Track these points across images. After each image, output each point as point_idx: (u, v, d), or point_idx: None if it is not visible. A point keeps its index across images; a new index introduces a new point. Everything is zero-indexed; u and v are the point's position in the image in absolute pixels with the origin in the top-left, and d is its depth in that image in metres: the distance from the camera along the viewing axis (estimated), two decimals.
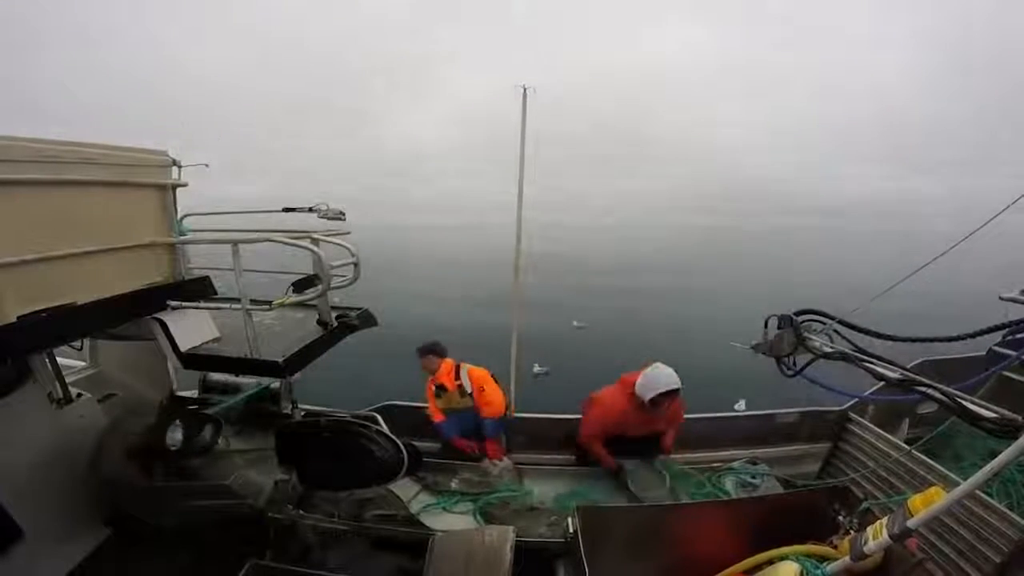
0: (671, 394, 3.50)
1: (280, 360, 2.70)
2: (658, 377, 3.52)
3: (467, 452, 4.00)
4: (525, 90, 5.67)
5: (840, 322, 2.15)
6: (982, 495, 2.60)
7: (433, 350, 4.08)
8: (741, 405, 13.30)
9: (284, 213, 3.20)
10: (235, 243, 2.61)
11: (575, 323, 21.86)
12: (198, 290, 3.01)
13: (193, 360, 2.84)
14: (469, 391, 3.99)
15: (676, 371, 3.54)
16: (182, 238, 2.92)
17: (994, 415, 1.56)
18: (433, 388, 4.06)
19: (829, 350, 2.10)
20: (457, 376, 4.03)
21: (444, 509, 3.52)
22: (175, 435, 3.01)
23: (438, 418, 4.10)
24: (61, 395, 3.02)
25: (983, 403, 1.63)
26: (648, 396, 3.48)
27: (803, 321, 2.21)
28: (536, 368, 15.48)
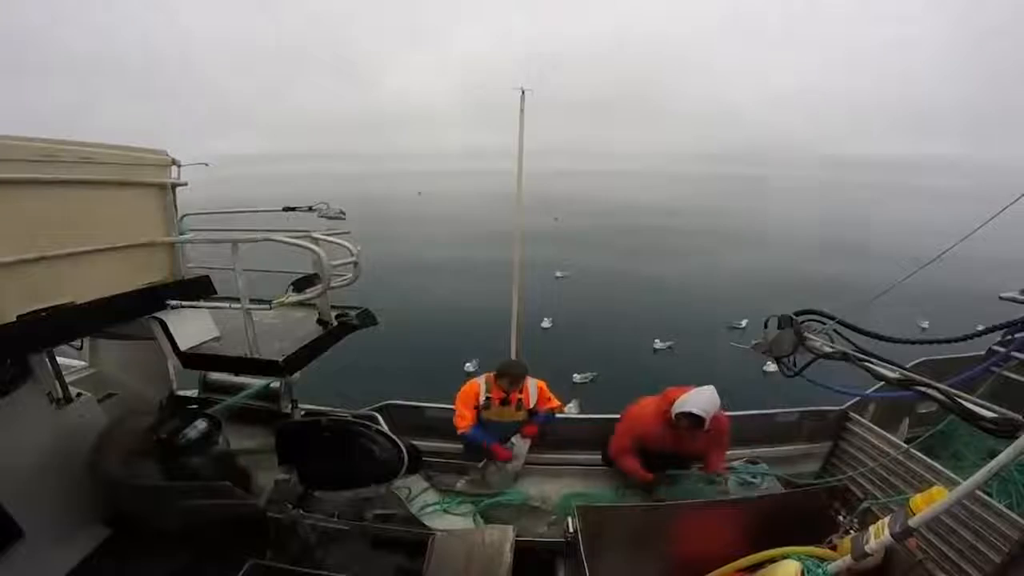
0: (691, 418, 3.28)
1: (280, 360, 2.70)
2: (689, 398, 3.35)
3: (501, 458, 3.84)
4: (523, 92, 5.73)
5: (840, 322, 2.15)
6: (982, 495, 2.60)
7: (527, 373, 3.92)
8: (771, 368, 13.27)
9: (284, 212, 3.21)
10: (235, 243, 2.61)
11: (557, 273, 22.03)
12: (198, 290, 3.01)
13: (193, 360, 2.84)
14: (531, 405, 3.92)
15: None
16: (182, 238, 2.92)
17: (994, 415, 1.56)
18: (483, 399, 3.87)
19: (829, 350, 2.10)
20: (521, 390, 3.91)
21: (445, 510, 3.52)
22: (174, 434, 3.02)
23: (469, 423, 3.86)
24: (61, 395, 3.02)
25: (983, 402, 1.63)
26: (675, 411, 3.34)
27: (803, 321, 2.21)
28: (545, 323, 15.72)
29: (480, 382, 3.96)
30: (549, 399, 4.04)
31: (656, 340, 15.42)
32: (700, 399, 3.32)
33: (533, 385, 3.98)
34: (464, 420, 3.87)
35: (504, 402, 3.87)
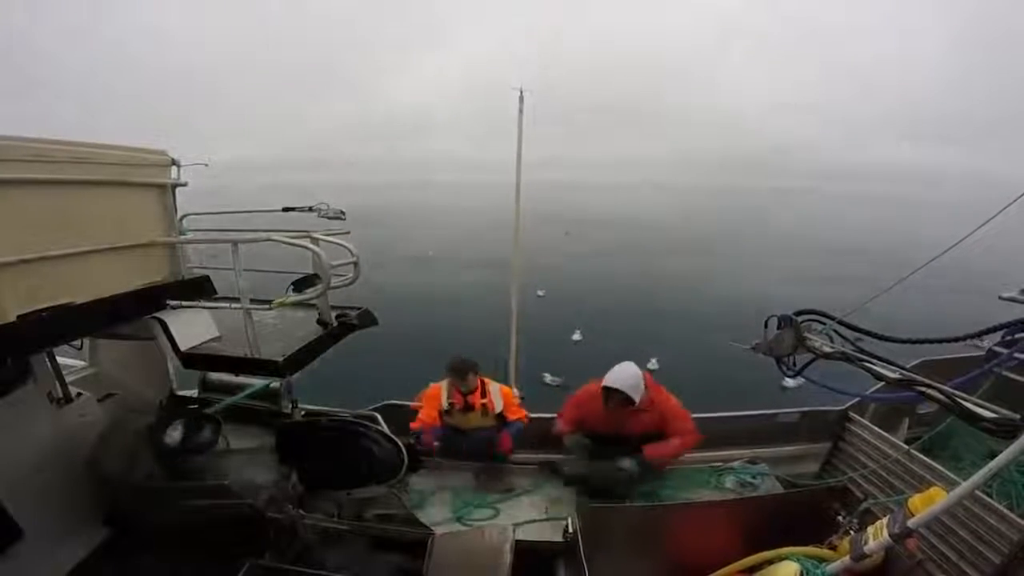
0: (613, 393, 3.36)
1: (280, 360, 2.70)
2: (608, 374, 3.46)
3: (426, 444, 3.68)
4: (521, 93, 5.74)
5: (840, 322, 2.15)
6: (982, 495, 2.60)
7: (475, 368, 3.73)
8: (789, 383, 12.96)
9: (284, 213, 3.21)
10: (235, 243, 2.61)
11: (538, 292, 21.73)
12: (198, 290, 3.01)
13: (193, 360, 2.84)
14: (498, 411, 3.77)
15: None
16: (182, 238, 2.93)
17: (994, 415, 1.56)
18: (445, 404, 3.76)
19: (829, 350, 2.10)
20: (484, 394, 3.76)
21: (448, 511, 3.51)
22: (174, 434, 3.02)
23: (424, 422, 3.70)
24: (61, 395, 3.03)
25: (983, 403, 1.63)
26: (601, 389, 3.46)
27: (803, 321, 2.21)
28: (550, 380, 15.52)
29: (442, 386, 3.83)
30: (515, 408, 3.88)
31: (652, 360, 14.83)
32: (616, 372, 3.44)
33: (496, 388, 3.83)
34: (420, 418, 3.71)
35: (467, 407, 3.75)
